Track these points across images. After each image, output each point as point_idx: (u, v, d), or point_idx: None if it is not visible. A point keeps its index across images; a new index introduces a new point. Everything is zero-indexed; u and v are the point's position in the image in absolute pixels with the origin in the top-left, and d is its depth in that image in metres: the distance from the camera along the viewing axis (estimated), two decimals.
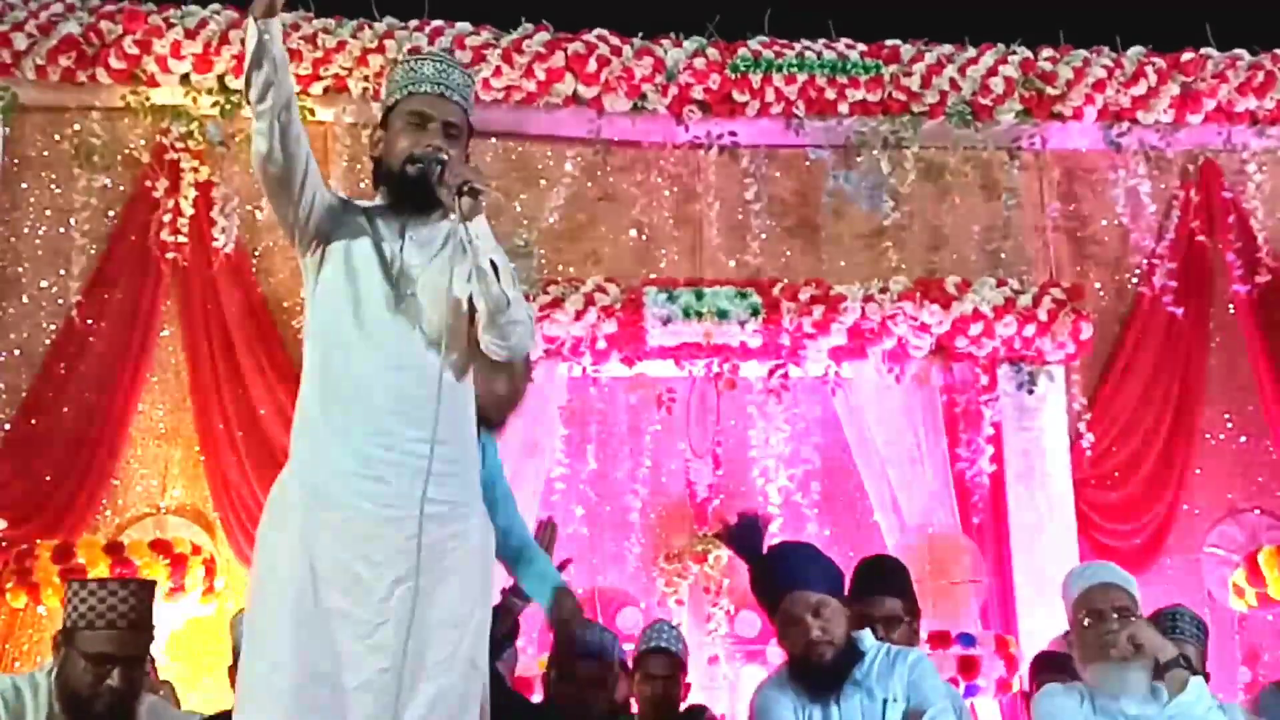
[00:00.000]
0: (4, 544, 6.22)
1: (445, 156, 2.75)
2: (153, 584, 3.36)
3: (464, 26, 7.10)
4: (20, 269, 6.90)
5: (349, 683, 2.59)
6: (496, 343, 2.76)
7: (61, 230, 6.92)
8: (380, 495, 2.68)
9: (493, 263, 2.69)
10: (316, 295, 2.82)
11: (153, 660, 4.35)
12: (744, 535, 3.58)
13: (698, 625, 6.74)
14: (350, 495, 2.68)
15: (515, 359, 2.93)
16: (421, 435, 2.67)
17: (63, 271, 6.86)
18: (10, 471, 6.51)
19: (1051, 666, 4.39)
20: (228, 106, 6.87)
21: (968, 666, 6.20)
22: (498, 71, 6.96)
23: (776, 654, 4.54)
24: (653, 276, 7.15)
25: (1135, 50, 7.48)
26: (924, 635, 5.04)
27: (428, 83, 2.87)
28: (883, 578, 3.98)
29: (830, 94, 7.18)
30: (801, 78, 7.18)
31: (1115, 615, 3.36)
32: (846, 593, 3.61)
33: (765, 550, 3.56)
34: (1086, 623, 3.42)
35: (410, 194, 2.81)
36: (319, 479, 2.71)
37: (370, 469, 2.69)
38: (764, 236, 7.35)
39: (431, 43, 6.98)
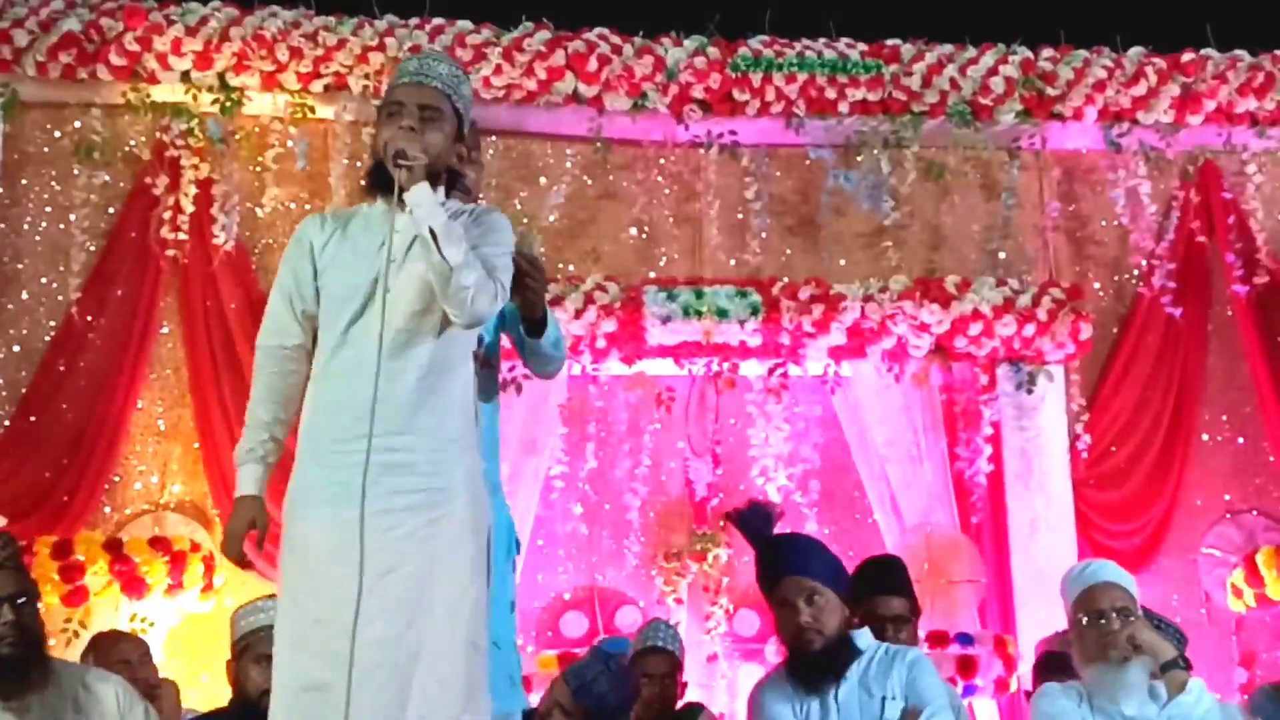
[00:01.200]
0: None
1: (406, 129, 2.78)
2: (7, 534, 3.39)
3: (464, 24, 7.09)
4: (20, 265, 6.88)
5: (350, 681, 2.59)
6: (454, 311, 2.73)
7: (61, 227, 6.90)
8: (341, 497, 2.69)
9: (432, 231, 2.67)
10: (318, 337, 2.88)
11: (150, 656, 4.36)
12: (754, 519, 3.59)
13: (697, 624, 6.74)
14: (320, 502, 2.72)
15: (479, 324, 2.85)
16: (381, 429, 2.66)
17: (62, 268, 6.84)
18: (9, 468, 6.50)
19: (1058, 667, 4.39)
20: (228, 104, 6.86)
21: (966, 666, 6.21)
22: (498, 70, 6.95)
23: (775, 653, 4.56)
24: (652, 275, 7.16)
25: (1135, 51, 7.47)
26: (922, 635, 5.06)
27: (407, 75, 2.92)
28: (890, 577, 3.99)
29: (830, 93, 7.17)
30: (802, 77, 7.17)
31: (1115, 615, 3.36)
32: (853, 592, 3.62)
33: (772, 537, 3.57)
34: (1085, 622, 3.42)
35: (385, 183, 2.81)
36: (298, 497, 2.77)
37: (333, 473, 2.72)
38: (764, 235, 7.35)
39: (432, 40, 6.98)
